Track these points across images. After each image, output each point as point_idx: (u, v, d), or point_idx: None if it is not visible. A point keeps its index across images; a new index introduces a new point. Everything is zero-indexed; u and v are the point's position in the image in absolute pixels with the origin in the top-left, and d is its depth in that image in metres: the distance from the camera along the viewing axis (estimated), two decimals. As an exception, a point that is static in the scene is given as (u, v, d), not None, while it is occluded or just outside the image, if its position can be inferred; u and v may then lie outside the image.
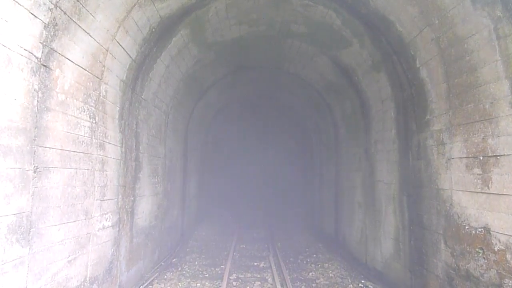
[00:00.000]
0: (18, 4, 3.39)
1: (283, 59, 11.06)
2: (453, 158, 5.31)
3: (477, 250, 4.73)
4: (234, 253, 10.72)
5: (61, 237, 4.39)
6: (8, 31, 3.31)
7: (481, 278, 4.63)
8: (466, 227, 4.98)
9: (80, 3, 4.33)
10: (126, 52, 6.00)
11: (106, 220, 5.74)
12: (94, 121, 5.22)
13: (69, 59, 4.42)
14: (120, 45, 5.70)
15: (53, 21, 3.94)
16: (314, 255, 10.51)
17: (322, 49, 9.31)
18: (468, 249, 4.93)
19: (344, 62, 9.05)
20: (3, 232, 3.33)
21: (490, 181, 4.48)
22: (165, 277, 8.08)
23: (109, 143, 5.79)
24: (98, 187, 5.40)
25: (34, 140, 3.80)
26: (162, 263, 9.07)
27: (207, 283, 7.75)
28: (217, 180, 20.90)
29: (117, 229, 6.23)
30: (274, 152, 23.73)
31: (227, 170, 23.27)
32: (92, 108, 5.16)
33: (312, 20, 8.11)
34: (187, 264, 9.33)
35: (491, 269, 4.44)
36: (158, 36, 6.88)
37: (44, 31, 3.83)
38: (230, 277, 8.20)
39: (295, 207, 20.73)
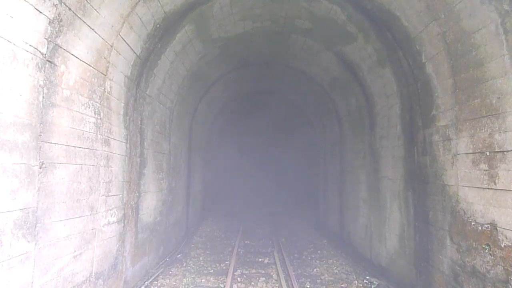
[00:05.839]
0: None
1: (287, 55, 11.02)
2: (459, 154, 5.27)
3: (484, 246, 4.70)
4: (239, 249, 10.75)
5: (66, 232, 4.41)
6: (13, 26, 3.32)
7: (487, 274, 4.61)
8: (472, 223, 4.95)
9: (85, -1, 4.33)
10: (131, 48, 6.00)
11: (111, 216, 5.77)
12: (99, 117, 5.23)
13: (74, 55, 4.42)
14: (125, 41, 5.70)
15: (58, 17, 3.94)
16: (319, 251, 10.51)
17: (326, 44, 9.27)
18: (474, 245, 4.91)
19: (349, 58, 9.00)
20: (9, 227, 3.35)
21: (497, 177, 4.44)
22: (170, 272, 8.11)
23: (114, 139, 5.80)
24: (103, 183, 5.41)
25: (40, 135, 3.81)
26: (167, 259, 9.11)
27: (211, 278, 7.77)
28: (221, 176, 20.93)
29: (122, 224, 6.25)
30: (278, 148, 23.72)
31: (231, 166, 23.29)
32: (97, 104, 5.16)
33: (317, 15, 8.06)
34: (192, 259, 9.36)
35: (498, 266, 4.42)
36: (163, 32, 6.87)
37: (49, 27, 3.83)
38: (235, 273, 8.22)
39: (300, 203, 20.73)
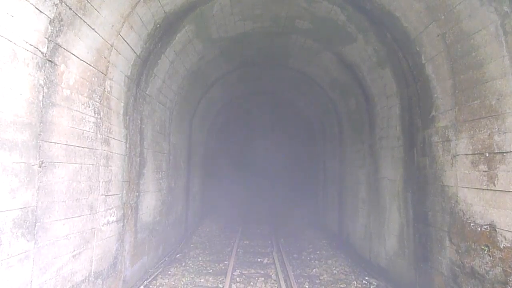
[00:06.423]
0: (24, -1, 3.40)
1: (287, 55, 11.02)
2: (458, 155, 5.28)
3: (483, 247, 4.70)
4: (238, 249, 10.75)
5: (66, 231, 4.41)
6: (13, 26, 3.32)
7: (486, 275, 4.61)
8: (472, 224, 4.96)
9: (85, -2, 4.34)
10: (131, 47, 6.00)
11: (111, 215, 5.77)
12: (99, 117, 5.23)
13: (74, 55, 4.43)
14: (125, 41, 5.70)
15: (58, 16, 3.94)
16: (318, 252, 10.51)
17: (326, 45, 9.27)
18: (473, 246, 4.91)
19: (349, 58, 9.00)
20: (8, 226, 3.35)
21: (496, 178, 4.45)
22: (169, 272, 8.11)
23: (113, 138, 5.80)
24: (102, 182, 5.41)
25: (40, 135, 3.82)
26: (166, 259, 9.11)
27: (211, 278, 7.77)
28: (220, 176, 20.93)
29: (122, 224, 6.25)
30: (278, 148, 23.71)
31: (230, 166, 23.29)
32: (97, 103, 5.16)
33: (317, 16, 8.07)
34: (191, 259, 9.36)
35: (497, 267, 4.42)
36: (163, 32, 6.87)
37: (49, 26, 3.84)
38: (234, 273, 8.22)
39: (299, 203, 20.72)
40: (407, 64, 6.68)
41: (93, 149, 5.07)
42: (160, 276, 7.75)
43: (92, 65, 4.92)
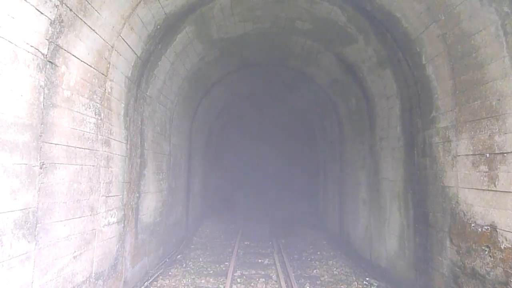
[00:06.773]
0: (25, 0, 3.40)
1: (287, 56, 11.03)
2: (459, 156, 5.28)
3: (483, 248, 4.70)
4: (238, 250, 10.75)
5: (66, 232, 4.41)
6: (14, 27, 3.33)
7: (487, 276, 4.61)
8: (472, 224, 4.95)
9: (86, 0, 4.34)
10: (131, 48, 6.01)
11: (111, 216, 5.77)
12: (99, 118, 5.23)
13: (74, 56, 4.43)
14: (125, 42, 5.71)
15: (59, 18, 3.95)
16: (318, 252, 10.50)
17: (327, 45, 9.28)
18: (474, 247, 4.91)
19: (349, 59, 9.01)
20: (9, 228, 3.35)
21: (497, 179, 4.45)
22: (170, 273, 8.11)
23: (114, 139, 5.81)
24: (103, 183, 5.41)
25: (40, 136, 3.82)
26: (167, 260, 9.11)
27: (211, 279, 7.77)
28: (221, 176, 20.93)
29: (122, 225, 6.25)
30: (278, 149, 23.72)
31: (231, 167, 23.29)
32: (98, 104, 5.17)
33: (317, 17, 8.08)
34: (192, 260, 9.36)
35: (498, 267, 4.42)
36: (163, 33, 6.88)
37: (50, 28, 3.84)
38: (235, 274, 8.22)
39: (299, 204, 20.73)
40: (407, 64, 6.69)
41: (93, 150, 5.07)
42: (160, 277, 7.75)
43: (92, 66, 4.93)
